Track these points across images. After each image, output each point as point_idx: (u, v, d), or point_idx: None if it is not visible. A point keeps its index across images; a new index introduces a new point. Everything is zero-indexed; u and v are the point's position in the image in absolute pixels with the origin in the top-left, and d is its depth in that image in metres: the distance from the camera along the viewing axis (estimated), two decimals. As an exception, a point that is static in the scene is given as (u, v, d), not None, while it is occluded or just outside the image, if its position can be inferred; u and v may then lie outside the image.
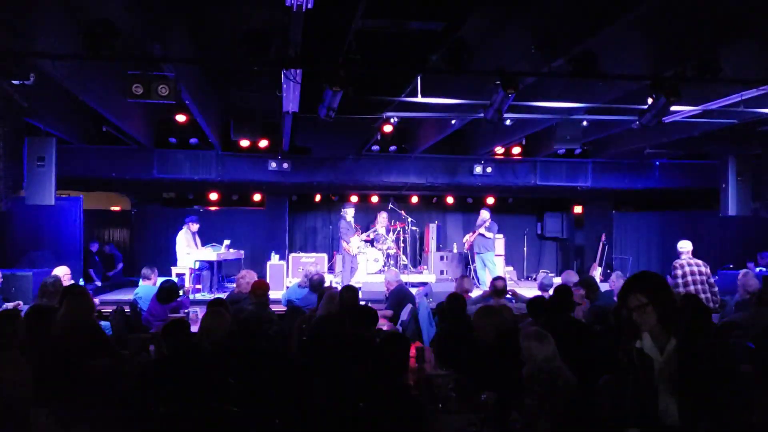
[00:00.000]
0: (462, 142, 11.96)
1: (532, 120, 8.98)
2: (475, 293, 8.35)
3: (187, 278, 10.38)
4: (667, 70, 6.39)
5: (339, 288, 6.16)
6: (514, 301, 7.55)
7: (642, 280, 2.97)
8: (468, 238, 11.85)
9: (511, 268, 13.69)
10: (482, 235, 11.43)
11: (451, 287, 9.13)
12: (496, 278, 7.60)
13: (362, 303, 7.57)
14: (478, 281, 11.78)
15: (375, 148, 11.57)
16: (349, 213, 11.19)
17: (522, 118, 8.52)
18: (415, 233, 13.57)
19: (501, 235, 12.99)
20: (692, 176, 12.34)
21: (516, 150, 11.95)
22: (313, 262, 11.05)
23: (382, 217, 12.86)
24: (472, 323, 4.53)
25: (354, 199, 13.76)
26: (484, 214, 11.60)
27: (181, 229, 10.82)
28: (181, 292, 7.24)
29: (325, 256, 12.39)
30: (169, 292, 6.92)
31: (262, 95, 9.10)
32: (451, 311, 5.51)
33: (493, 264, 11.49)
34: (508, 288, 7.48)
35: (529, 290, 10.82)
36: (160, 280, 7.45)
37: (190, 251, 10.48)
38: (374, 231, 12.37)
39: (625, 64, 6.49)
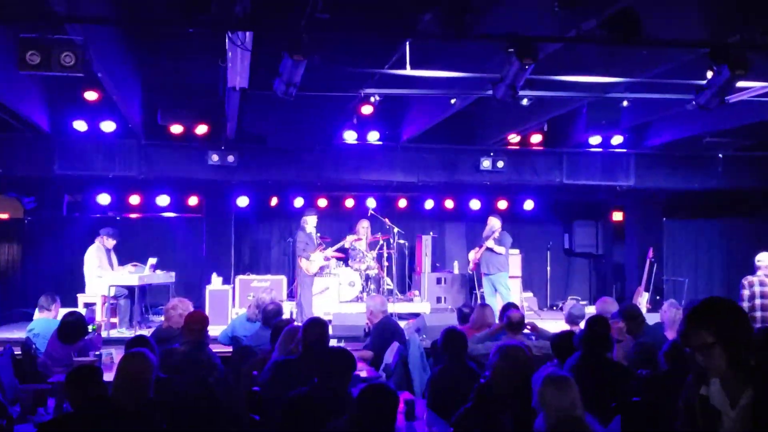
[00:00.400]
0: (465, 128, 12.03)
1: (556, 99, 9.04)
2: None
3: (99, 309, 10.30)
4: (731, 34, 6.49)
5: (301, 322, 6.16)
6: (534, 337, 7.58)
7: (706, 313, 2.90)
8: (474, 254, 11.92)
9: (530, 294, 13.79)
10: (491, 250, 11.50)
11: (450, 319, 9.16)
12: (509, 307, 7.63)
13: (333, 342, 7.63)
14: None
15: (350, 135, 11.61)
16: (310, 222, 11.24)
17: (543, 96, 8.57)
18: (403, 248, 13.60)
19: (516, 251, 13.08)
20: (764, 173, 12.53)
21: (535, 139, 12.06)
22: (267, 287, 10.96)
23: (362, 227, 12.88)
24: (476, 367, 4.56)
25: (322, 202, 13.79)
26: (494, 223, 11.68)
27: (92, 244, 10.75)
28: (91, 329, 7.17)
29: (283, 278, 12.39)
30: (74, 329, 6.86)
31: (199, 67, 9.07)
32: (449, 352, 5.53)
33: (507, 288, 11.56)
34: (527, 321, 7.52)
35: (553, 323, 10.92)
36: (63, 312, 7.38)
37: (103, 273, 10.41)
38: (350, 245, 12.38)
39: (676, 26, 6.58)
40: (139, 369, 4.23)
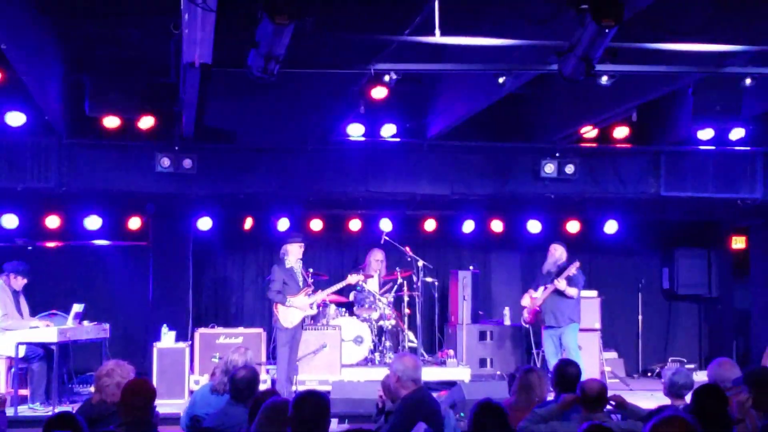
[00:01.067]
0: (518, 118, 12.02)
1: (650, 76, 9.00)
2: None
3: (1, 377, 10.25)
4: None
5: (285, 394, 6.10)
6: (619, 417, 7.51)
7: None
8: (530, 299, 11.82)
9: (613, 355, 13.68)
10: (560, 292, 11.46)
11: (500, 390, 9.08)
12: (567, 365, 7.53)
13: (333, 424, 7.55)
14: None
15: (356, 130, 11.63)
16: (291, 252, 11.23)
17: (630, 72, 8.54)
18: (431, 289, 13.53)
19: (593, 293, 13.04)
20: None
21: (621, 133, 12.02)
22: (239, 344, 10.92)
23: (374, 260, 12.82)
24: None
25: (316, 225, 13.78)
26: (560, 253, 11.63)
27: (-7, 284, 10.77)
28: None
29: (261, 332, 12.35)
30: None
31: (143, 35, 9.10)
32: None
33: (577, 347, 11.53)
34: (609, 392, 7.44)
35: (647, 396, 10.79)
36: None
37: (8, 326, 10.40)
38: (356, 284, 12.36)
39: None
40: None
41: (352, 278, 12.15)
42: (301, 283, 11.22)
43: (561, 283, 11.40)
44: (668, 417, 4.47)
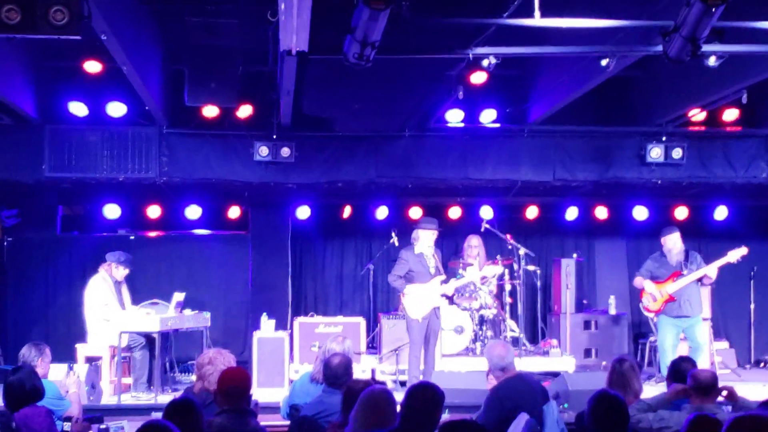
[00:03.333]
0: (622, 102, 11.90)
1: (758, 56, 8.80)
2: (650, 392, 8.15)
3: (105, 366, 10.55)
4: None
5: (386, 383, 6.11)
6: (730, 408, 7.37)
7: None
8: (661, 288, 11.46)
9: (724, 345, 13.46)
10: (698, 282, 11.30)
11: (604, 382, 8.99)
12: (683, 362, 7.42)
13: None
14: (660, 370, 11.56)
15: (455, 116, 11.62)
16: (424, 239, 10.80)
17: (738, 52, 8.36)
18: (533, 277, 13.44)
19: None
20: None
21: (730, 115, 11.80)
22: (338, 333, 11.00)
23: (471, 247, 12.77)
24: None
25: (415, 212, 13.80)
26: (670, 241, 11.39)
27: (95, 274, 11.06)
28: (70, 390, 7.38)
29: (361, 321, 12.46)
30: (18, 397, 6.81)
31: (240, 24, 9.19)
32: (603, 426, 5.39)
33: (705, 337, 11.38)
34: (720, 384, 7.31)
35: (759, 387, 10.56)
36: (56, 368, 7.59)
37: (110, 315, 10.68)
38: (457, 273, 12.34)
39: None
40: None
41: (489, 270, 12.00)
42: (432, 270, 10.79)
43: (699, 272, 11.22)
44: (704, 417, 4.38)
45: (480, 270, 12.64)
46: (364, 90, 10.42)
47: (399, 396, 5.57)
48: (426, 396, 5.32)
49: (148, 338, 10.63)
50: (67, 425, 6.96)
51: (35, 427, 6.82)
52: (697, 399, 6.65)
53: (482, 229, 12.91)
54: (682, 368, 7.13)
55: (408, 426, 5.19)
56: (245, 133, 11.46)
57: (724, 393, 7.25)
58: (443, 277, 10.86)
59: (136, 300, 11.38)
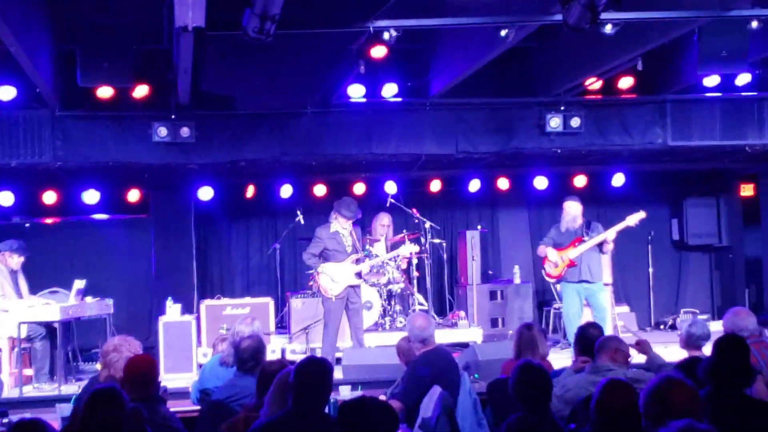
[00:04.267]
0: (521, 73, 11.94)
1: (655, 24, 8.90)
2: (562, 362, 8.25)
3: (5, 358, 10.25)
4: None
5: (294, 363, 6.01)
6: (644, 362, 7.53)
7: None
8: (562, 254, 11.57)
9: (625, 309, 13.76)
10: (597, 248, 11.39)
11: (511, 351, 9.09)
12: (587, 328, 7.51)
13: (346, 390, 7.51)
14: (564, 336, 11.72)
15: (357, 91, 11.56)
16: (339, 221, 10.79)
17: (635, 20, 8.44)
18: (439, 250, 13.54)
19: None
20: None
21: (625, 83, 11.94)
22: (246, 315, 10.92)
23: (380, 224, 12.77)
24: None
25: (320, 190, 13.77)
26: (574, 209, 11.51)
27: (-9, 264, 10.75)
28: None
29: (269, 302, 12.36)
30: None
31: (132, 1, 8.97)
32: (528, 396, 5.41)
33: (607, 302, 11.54)
34: (634, 339, 7.45)
35: (662, 348, 10.77)
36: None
37: (8, 306, 10.37)
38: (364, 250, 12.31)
39: None
40: None
41: (405, 249, 11.97)
42: (348, 249, 10.79)
43: (599, 237, 11.33)
44: (669, 380, 4.42)
45: (387, 247, 12.68)
46: (265, 67, 10.28)
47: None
48: (313, 371, 5.26)
49: (49, 328, 10.37)
50: None
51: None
52: (604, 357, 6.74)
53: (387, 204, 12.96)
54: (588, 334, 7.20)
55: (300, 404, 5.12)
56: (142, 113, 11.22)
57: (637, 346, 7.38)
58: (358, 255, 10.85)
59: (35, 289, 11.08)
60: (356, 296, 10.78)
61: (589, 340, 7.13)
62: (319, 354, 10.60)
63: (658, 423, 4.14)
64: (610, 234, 11.37)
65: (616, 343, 6.83)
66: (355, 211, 10.88)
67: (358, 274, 10.88)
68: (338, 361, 10.41)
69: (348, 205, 10.83)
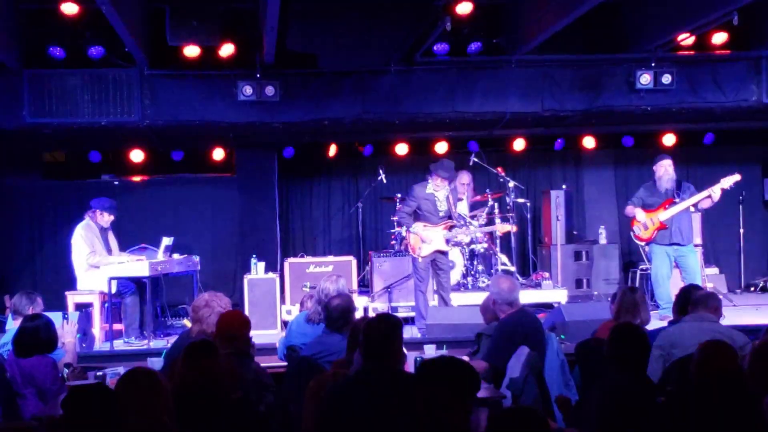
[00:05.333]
0: (610, 28, 11.82)
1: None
2: (653, 324, 8.15)
3: (96, 313, 10.49)
4: None
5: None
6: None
7: None
8: (652, 216, 11.39)
9: (714, 271, 13.53)
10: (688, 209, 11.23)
11: (601, 312, 8.99)
12: (691, 289, 7.43)
13: (430, 349, 7.52)
14: (652, 298, 11.57)
15: (440, 48, 11.51)
16: (436, 182, 10.54)
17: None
18: (523, 210, 13.46)
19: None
20: None
21: (719, 38, 11.74)
22: (330, 273, 10.99)
23: (461, 183, 12.70)
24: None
25: (401, 149, 13.77)
26: (663, 168, 11.28)
27: (81, 221, 10.93)
28: (65, 340, 7.29)
29: (352, 260, 12.41)
30: (30, 345, 6.89)
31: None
32: (623, 358, 5.35)
33: (697, 264, 11.36)
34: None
35: (752, 312, 10.61)
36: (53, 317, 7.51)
37: (98, 262, 10.58)
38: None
39: None
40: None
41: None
42: (442, 213, 10.64)
43: (693, 199, 11.17)
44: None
45: (468, 206, 12.64)
46: (349, 24, 10.33)
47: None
48: (382, 328, 5.25)
49: (138, 284, 10.54)
50: (65, 370, 6.95)
51: (40, 377, 6.85)
52: (701, 310, 6.70)
53: (471, 163, 12.88)
54: (692, 295, 7.13)
55: (371, 361, 5.13)
56: (228, 72, 11.32)
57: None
58: (452, 222, 10.73)
59: (124, 246, 11.32)
60: (444, 259, 10.71)
61: (691, 300, 7.08)
62: (398, 313, 10.67)
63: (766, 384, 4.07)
64: (715, 191, 11.11)
65: (716, 303, 6.77)
66: (453, 172, 10.77)
67: (448, 241, 10.79)
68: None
69: (446, 166, 10.64)
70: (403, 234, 11.14)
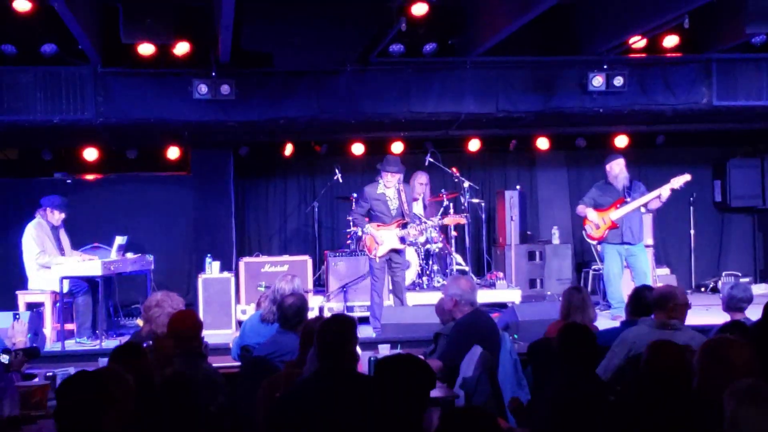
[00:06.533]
0: (563, 30, 11.86)
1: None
2: (600, 323, 8.21)
3: (48, 312, 10.37)
4: None
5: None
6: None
7: None
8: (604, 215, 11.52)
9: (665, 271, 13.64)
10: (646, 207, 11.42)
11: (553, 312, 9.05)
12: (643, 290, 7.48)
13: (385, 348, 7.53)
14: (604, 298, 11.65)
15: (395, 48, 11.50)
16: (387, 180, 10.60)
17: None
18: (477, 210, 13.51)
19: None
20: None
21: (670, 41, 11.82)
22: (285, 272, 10.99)
23: (418, 183, 12.74)
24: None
25: (357, 149, 13.75)
26: (614, 168, 11.42)
27: (32, 219, 10.81)
28: (16, 340, 7.22)
29: (307, 260, 12.39)
30: None
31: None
32: (573, 356, 5.39)
33: (647, 264, 11.47)
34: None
35: (702, 311, 10.70)
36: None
37: (49, 261, 10.47)
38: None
39: None
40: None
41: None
42: (393, 212, 10.70)
43: (644, 198, 11.33)
44: (728, 339, 4.37)
45: (425, 206, 12.68)
46: (305, 24, 10.27)
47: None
48: (336, 329, 5.24)
49: (91, 283, 10.47)
50: (5, 357, 6.82)
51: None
52: (661, 314, 6.70)
53: (426, 163, 12.92)
54: (643, 296, 7.22)
55: (327, 362, 5.11)
56: (183, 71, 11.25)
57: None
58: (404, 220, 10.76)
59: (77, 245, 11.24)
60: (399, 257, 10.75)
61: (643, 301, 7.13)
62: (354, 312, 10.69)
63: (715, 383, 4.10)
64: (664, 191, 11.27)
65: (674, 300, 6.78)
66: (400, 165, 10.76)
67: (402, 239, 10.78)
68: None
69: (392, 161, 10.76)
70: (359, 234, 11.15)
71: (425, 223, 12.31)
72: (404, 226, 10.72)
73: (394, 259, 10.68)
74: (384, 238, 10.58)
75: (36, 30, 10.67)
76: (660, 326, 6.38)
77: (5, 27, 10.70)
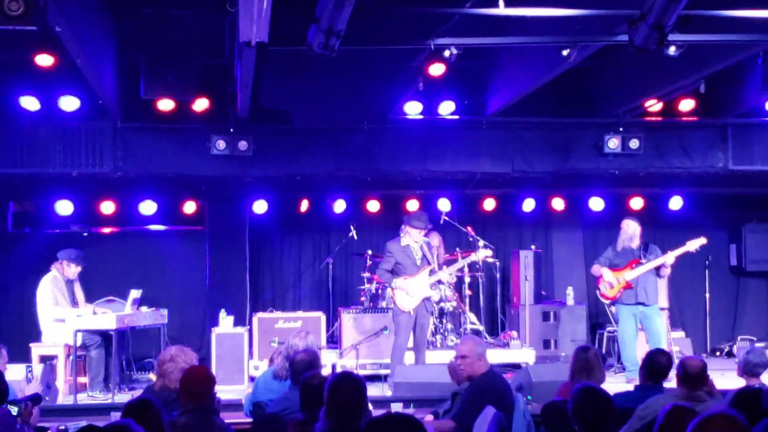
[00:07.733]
0: (580, 93, 11.92)
1: (719, 46, 8.83)
2: (615, 386, 8.16)
3: (61, 365, 10.35)
4: None
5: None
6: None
7: None
8: (618, 275, 11.50)
9: (680, 334, 13.55)
10: (655, 270, 11.35)
11: (566, 372, 9.00)
12: (656, 354, 7.43)
13: (398, 407, 7.49)
14: (619, 360, 11.58)
15: (414, 108, 11.59)
16: (411, 234, 10.72)
17: (702, 41, 8.36)
18: (492, 269, 13.50)
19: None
20: None
21: (686, 105, 11.84)
22: (299, 328, 10.94)
23: (433, 241, 12.75)
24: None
25: (373, 206, 13.75)
26: (633, 228, 11.47)
27: (48, 272, 10.86)
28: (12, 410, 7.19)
29: (321, 316, 12.38)
30: None
31: (198, 15, 9.11)
32: (588, 420, 5.34)
33: (662, 327, 11.42)
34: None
35: (717, 376, 10.61)
36: (13, 369, 7.44)
37: (63, 314, 10.49)
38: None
39: None
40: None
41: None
42: (419, 262, 10.78)
43: (659, 260, 11.29)
44: (715, 415, 4.34)
45: (438, 263, 12.66)
46: (323, 82, 10.39)
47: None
48: (348, 387, 5.23)
49: (104, 336, 10.47)
50: (14, 409, 6.80)
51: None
52: (686, 390, 6.62)
53: (441, 221, 12.93)
54: (657, 361, 7.14)
55: (336, 421, 5.10)
56: (202, 126, 11.34)
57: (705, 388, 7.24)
58: (432, 266, 10.81)
59: (92, 298, 11.26)
60: (430, 305, 10.86)
61: (657, 366, 7.07)
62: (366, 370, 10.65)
63: None
64: (669, 258, 11.30)
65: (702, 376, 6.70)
66: (426, 222, 10.86)
67: (433, 285, 10.91)
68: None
69: (418, 216, 10.84)
70: (388, 291, 11.10)
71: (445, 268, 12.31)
72: (432, 272, 10.75)
73: (427, 308, 10.76)
74: (414, 289, 10.59)
75: (57, 84, 10.75)
76: (683, 398, 6.32)
77: (26, 80, 10.79)
